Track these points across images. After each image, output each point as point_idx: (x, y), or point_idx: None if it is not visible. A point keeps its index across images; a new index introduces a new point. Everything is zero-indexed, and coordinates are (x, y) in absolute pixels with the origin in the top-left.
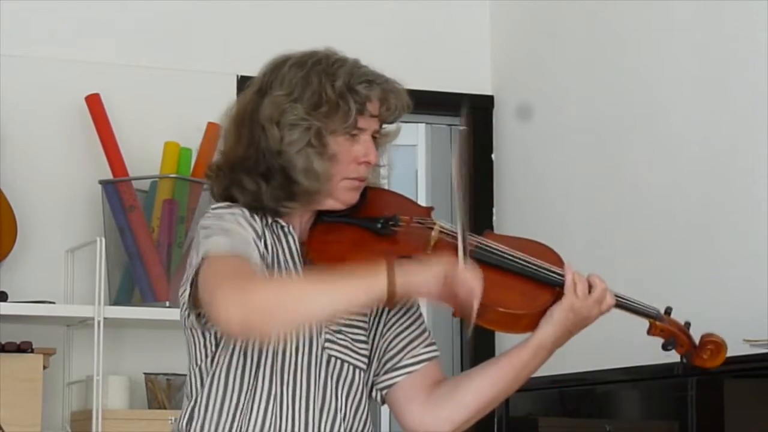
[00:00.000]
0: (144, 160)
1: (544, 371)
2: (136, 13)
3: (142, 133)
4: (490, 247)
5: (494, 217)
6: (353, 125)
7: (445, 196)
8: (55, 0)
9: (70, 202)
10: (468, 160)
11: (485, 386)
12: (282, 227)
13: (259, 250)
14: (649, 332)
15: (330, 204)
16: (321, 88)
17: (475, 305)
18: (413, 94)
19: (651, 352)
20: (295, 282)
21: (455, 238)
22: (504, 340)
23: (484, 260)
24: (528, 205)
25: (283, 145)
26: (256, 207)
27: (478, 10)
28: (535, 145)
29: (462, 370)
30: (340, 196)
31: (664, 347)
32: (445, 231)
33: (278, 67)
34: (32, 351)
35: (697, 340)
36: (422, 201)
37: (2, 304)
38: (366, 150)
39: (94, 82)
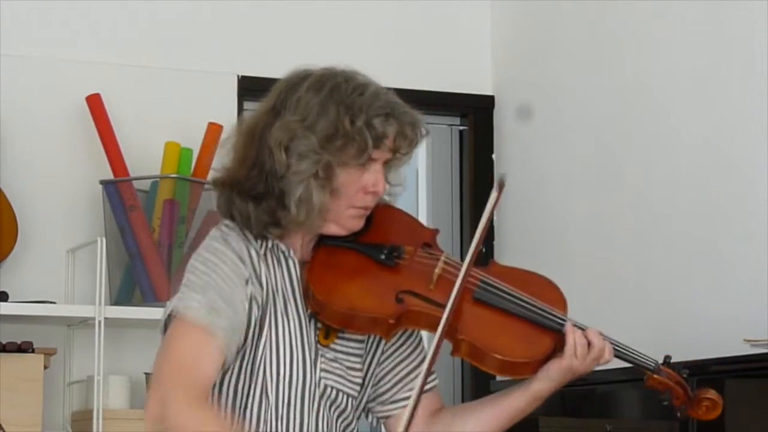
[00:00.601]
0: (145, 160)
1: None
2: (135, 13)
3: (142, 133)
4: (494, 285)
5: (494, 218)
6: (367, 158)
7: (445, 196)
8: (55, 0)
9: (70, 202)
10: (471, 162)
11: (485, 422)
12: (283, 251)
13: (247, 296)
14: (645, 384)
15: (333, 229)
16: (338, 120)
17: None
18: (413, 94)
19: (651, 352)
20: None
21: (457, 275)
22: None
23: (486, 301)
24: (528, 205)
25: (289, 172)
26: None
27: (479, 10)
28: (535, 145)
29: (462, 396)
30: (345, 223)
31: (660, 398)
32: (450, 264)
33: (294, 87)
34: (33, 351)
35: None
36: (422, 200)
37: (3, 304)
38: (375, 180)
39: (95, 82)
